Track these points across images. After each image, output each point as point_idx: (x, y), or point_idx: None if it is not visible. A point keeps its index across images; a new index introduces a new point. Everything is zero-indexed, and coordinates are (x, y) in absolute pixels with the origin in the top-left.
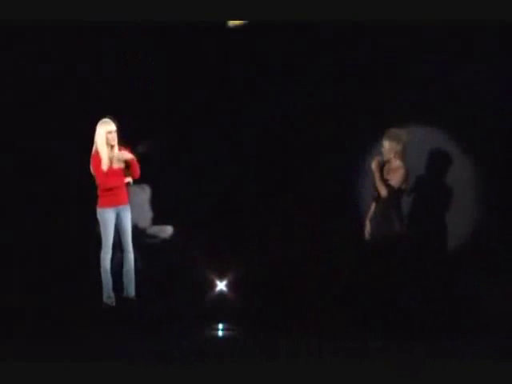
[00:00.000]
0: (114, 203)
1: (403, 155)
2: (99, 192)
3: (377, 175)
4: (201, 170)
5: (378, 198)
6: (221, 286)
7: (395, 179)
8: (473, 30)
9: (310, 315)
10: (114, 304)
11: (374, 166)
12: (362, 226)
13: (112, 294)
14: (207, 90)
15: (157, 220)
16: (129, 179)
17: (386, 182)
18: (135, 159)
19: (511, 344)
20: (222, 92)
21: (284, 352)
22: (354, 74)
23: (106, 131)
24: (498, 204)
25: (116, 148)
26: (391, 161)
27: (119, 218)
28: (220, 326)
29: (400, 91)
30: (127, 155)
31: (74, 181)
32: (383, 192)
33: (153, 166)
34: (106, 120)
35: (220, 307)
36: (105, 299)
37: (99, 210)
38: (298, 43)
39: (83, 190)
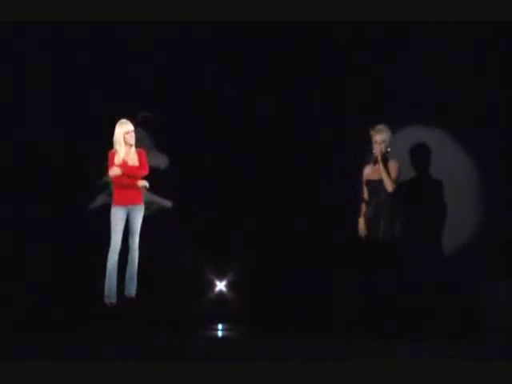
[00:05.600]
0: (126, 202)
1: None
2: (113, 190)
3: (383, 170)
4: (200, 169)
5: (371, 198)
6: (221, 286)
7: (393, 171)
8: (473, 30)
9: (310, 315)
10: (113, 304)
11: (380, 157)
12: (361, 225)
13: (113, 294)
14: (207, 88)
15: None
16: (144, 183)
17: (389, 175)
18: (144, 154)
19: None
20: (222, 90)
21: (284, 352)
22: (352, 74)
23: (123, 131)
24: (498, 200)
25: (133, 148)
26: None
27: (129, 217)
28: (220, 326)
29: (399, 91)
30: (140, 157)
31: (74, 179)
32: (390, 187)
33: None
34: (124, 120)
35: (220, 307)
36: (105, 299)
37: (111, 208)
38: (297, 43)
39: (84, 188)
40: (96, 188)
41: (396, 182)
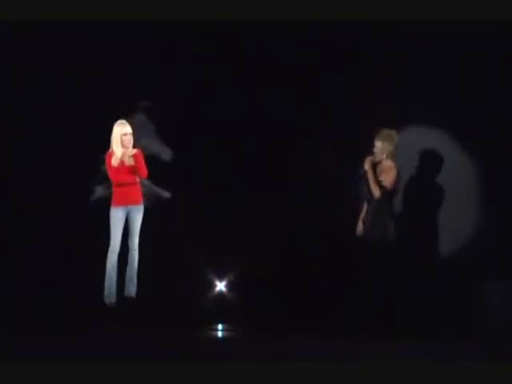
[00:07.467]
0: (125, 202)
1: (395, 155)
2: (112, 191)
3: (370, 176)
4: (200, 169)
5: (370, 198)
6: (221, 286)
7: (388, 180)
8: (474, 30)
9: (310, 315)
10: (113, 303)
11: (367, 166)
12: (356, 227)
13: (113, 294)
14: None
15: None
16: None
17: (379, 182)
18: (141, 156)
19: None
20: (222, 88)
21: (284, 352)
22: (351, 74)
23: (121, 133)
24: (494, 204)
25: (130, 149)
26: (383, 161)
27: (129, 218)
28: (220, 326)
29: (398, 91)
30: (133, 151)
31: (74, 179)
32: (377, 193)
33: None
34: (123, 121)
35: (220, 307)
36: (105, 298)
37: (111, 209)
38: (297, 43)
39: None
40: (95, 182)
41: (391, 186)
